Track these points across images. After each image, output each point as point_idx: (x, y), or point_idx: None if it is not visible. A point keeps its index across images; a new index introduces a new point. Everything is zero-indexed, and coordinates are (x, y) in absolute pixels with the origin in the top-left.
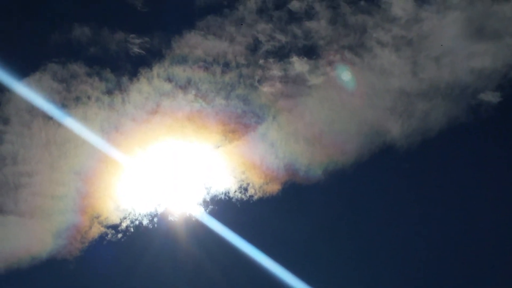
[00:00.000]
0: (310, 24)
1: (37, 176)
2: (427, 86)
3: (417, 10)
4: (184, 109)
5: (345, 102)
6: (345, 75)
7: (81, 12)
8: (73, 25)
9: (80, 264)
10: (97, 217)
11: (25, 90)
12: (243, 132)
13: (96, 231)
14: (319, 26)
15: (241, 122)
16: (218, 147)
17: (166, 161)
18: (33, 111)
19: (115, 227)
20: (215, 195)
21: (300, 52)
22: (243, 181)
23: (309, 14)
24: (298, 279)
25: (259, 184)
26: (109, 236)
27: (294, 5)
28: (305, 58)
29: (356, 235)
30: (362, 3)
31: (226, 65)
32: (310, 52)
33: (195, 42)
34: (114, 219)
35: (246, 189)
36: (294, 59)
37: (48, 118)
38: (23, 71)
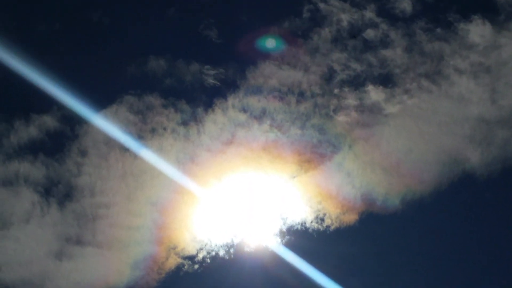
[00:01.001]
0: (386, 52)
1: (114, 207)
2: (507, 113)
3: (495, 37)
4: (259, 140)
5: (423, 131)
6: (422, 104)
7: (156, 44)
8: (149, 58)
9: None
10: (174, 248)
11: (102, 122)
12: (319, 162)
13: (172, 262)
14: (395, 54)
15: (316, 152)
16: (294, 177)
17: (242, 192)
18: (110, 143)
19: (191, 258)
20: (291, 226)
21: (375, 80)
22: (320, 211)
23: (384, 42)
24: None
25: (335, 214)
26: (186, 267)
27: (369, 34)
28: (381, 87)
29: (436, 268)
30: (438, 30)
31: (301, 95)
32: (385, 80)
33: (269, 72)
34: (191, 250)
35: (322, 220)
36: (370, 87)
37: (124, 149)
38: (100, 103)
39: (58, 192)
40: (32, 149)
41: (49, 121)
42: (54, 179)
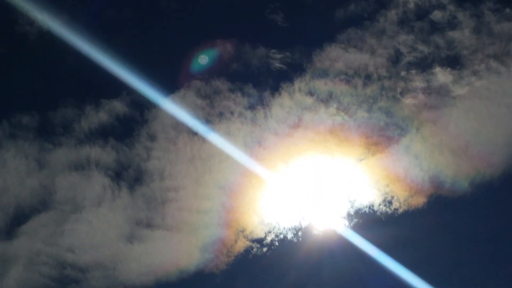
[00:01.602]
0: (453, 34)
1: (183, 191)
2: None
3: None
4: (326, 123)
5: (491, 112)
6: (491, 85)
7: (223, 29)
8: (216, 42)
9: (226, 277)
10: (242, 231)
11: (170, 107)
12: (386, 144)
13: (241, 245)
14: (463, 36)
15: (384, 134)
16: (361, 160)
17: (309, 175)
18: (178, 127)
19: (260, 241)
20: (358, 209)
21: (443, 62)
22: (387, 194)
23: (452, 23)
24: None
25: (403, 197)
26: (254, 250)
27: (436, 15)
28: (449, 69)
29: (507, 250)
30: (507, 10)
31: (368, 78)
32: (453, 62)
33: (336, 56)
34: (259, 233)
35: (390, 202)
36: (437, 69)
37: (192, 133)
38: (168, 88)
39: (128, 176)
40: (102, 134)
41: (119, 106)
42: (124, 163)
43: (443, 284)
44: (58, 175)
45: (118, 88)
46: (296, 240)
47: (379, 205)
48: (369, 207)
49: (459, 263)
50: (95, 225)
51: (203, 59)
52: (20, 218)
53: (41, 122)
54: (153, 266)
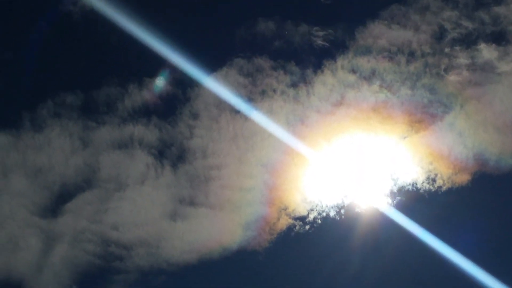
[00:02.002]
0: (499, 9)
1: (226, 169)
2: None
3: None
4: (369, 100)
5: None
6: None
7: (265, 6)
8: (258, 20)
9: (268, 255)
10: (285, 209)
11: (212, 85)
12: (430, 122)
13: (284, 222)
14: (508, 11)
15: (427, 112)
16: (405, 138)
17: (352, 153)
18: (220, 105)
19: (302, 219)
20: (402, 186)
21: (488, 38)
22: (431, 172)
23: None
24: (490, 276)
25: (447, 174)
26: (297, 227)
27: None
28: (494, 45)
29: None
30: None
31: (411, 55)
32: (499, 38)
33: (379, 32)
34: (302, 211)
35: (434, 180)
36: (482, 46)
37: (235, 112)
38: (210, 66)
39: (171, 154)
40: (145, 113)
41: (162, 85)
42: (167, 142)
43: (487, 263)
44: (102, 154)
45: (161, 66)
46: (338, 218)
47: (423, 183)
48: (412, 185)
49: (503, 242)
50: (139, 203)
51: (245, 37)
52: (65, 196)
53: (85, 101)
54: (196, 244)
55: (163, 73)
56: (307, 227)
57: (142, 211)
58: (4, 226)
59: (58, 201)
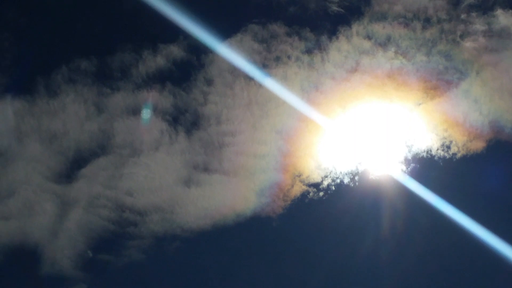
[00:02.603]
0: None
1: (240, 135)
2: None
3: None
4: (384, 67)
5: None
6: None
7: None
8: None
9: (282, 222)
10: (299, 176)
11: (227, 51)
12: (445, 89)
13: (298, 189)
14: None
15: (443, 78)
16: (419, 104)
17: (366, 120)
18: (235, 71)
19: (316, 186)
20: (416, 154)
21: (505, 4)
22: (446, 139)
23: None
24: (504, 243)
25: (462, 141)
26: (311, 194)
27: None
28: (511, 11)
29: None
30: None
31: (427, 21)
32: None
33: None
34: (316, 177)
35: (448, 147)
36: (499, 12)
37: (249, 78)
38: (225, 32)
39: (186, 121)
40: (159, 79)
41: (176, 51)
42: (182, 108)
43: (502, 230)
44: (116, 120)
45: (175, 32)
46: (352, 185)
47: (437, 150)
48: (427, 152)
49: None
50: (153, 169)
51: (260, 2)
52: (79, 162)
53: (99, 67)
54: (210, 210)
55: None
56: (321, 193)
57: (156, 177)
58: (19, 191)
59: (73, 166)
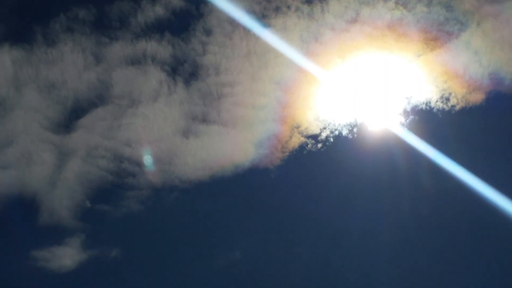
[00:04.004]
0: None
1: (239, 86)
2: None
3: None
4: (384, 18)
5: None
6: None
7: None
8: None
9: (280, 173)
10: (297, 127)
11: (226, 1)
12: (445, 40)
13: (296, 141)
14: None
15: (443, 29)
16: (419, 56)
17: (366, 71)
18: (234, 22)
19: (315, 137)
20: (415, 105)
21: None
22: (445, 90)
23: None
24: (502, 196)
25: (461, 93)
26: (309, 146)
27: None
28: None
29: None
30: None
31: None
32: None
33: None
34: (314, 129)
35: (448, 99)
36: None
37: (248, 28)
38: None
39: (184, 71)
40: (158, 29)
41: (175, 0)
42: (180, 58)
43: (500, 182)
44: (115, 70)
45: None
46: (351, 137)
47: (436, 102)
48: (426, 104)
49: None
50: (152, 120)
51: None
52: (78, 111)
53: (98, 16)
54: (208, 161)
55: None
56: (319, 145)
57: (155, 128)
58: (18, 141)
59: (71, 116)
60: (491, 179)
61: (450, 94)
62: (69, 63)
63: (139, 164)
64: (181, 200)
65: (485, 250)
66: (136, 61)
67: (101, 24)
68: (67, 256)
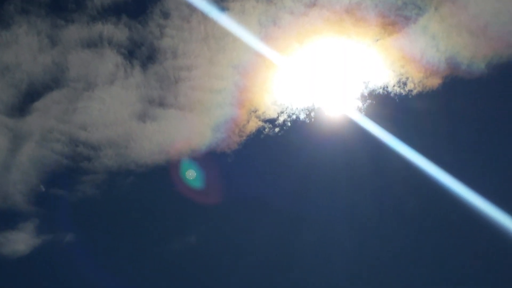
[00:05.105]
0: None
1: (196, 70)
2: None
3: None
4: (343, 2)
5: None
6: None
7: None
8: None
9: (238, 157)
10: (255, 111)
11: None
12: (403, 24)
13: (253, 125)
14: None
15: (401, 14)
16: (377, 40)
17: (324, 55)
18: (192, 5)
19: (272, 121)
20: (373, 90)
21: None
22: (402, 75)
23: None
24: (457, 180)
25: (418, 78)
26: (267, 130)
27: None
28: None
29: None
30: None
31: None
32: None
33: None
34: (272, 113)
35: (405, 84)
36: None
37: (206, 11)
38: None
39: (141, 54)
40: (115, 11)
41: None
42: (137, 41)
43: (455, 166)
44: (70, 52)
45: None
46: (308, 121)
47: (394, 86)
48: (384, 89)
49: (472, 146)
50: (108, 103)
51: None
52: (32, 95)
53: None
54: (165, 145)
55: None
56: (277, 129)
57: (111, 111)
58: None
59: (26, 100)
60: (447, 163)
61: (407, 78)
62: (24, 45)
63: (95, 148)
64: (137, 184)
65: (437, 230)
66: (92, 44)
67: (57, 6)
68: (20, 241)
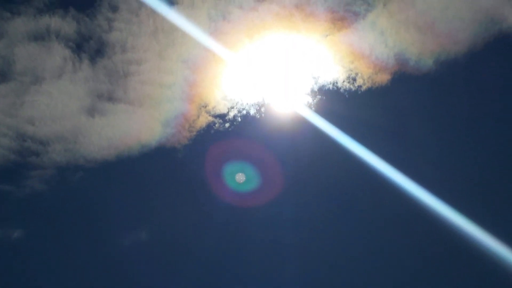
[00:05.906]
0: None
1: (145, 64)
2: None
3: None
4: None
5: None
6: None
7: None
8: None
9: (187, 152)
10: (205, 106)
11: None
12: (352, 20)
13: (203, 120)
14: None
15: (350, 10)
16: (326, 36)
17: (273, 50)
18: None
19: (222, 117)
20: (322, 85)
21: None
22: (351, 71)
23: None
24: (403, 175)
25: (368, 74)
26: (217, 125)
27: None
28: None
29: (471, 127)
30: None
31: None
32: None
33: None
34: (222, 108)
35: (354, 79)
36: None
37: (155, 5)
38: None
39: (90, 48)
40: (62, 4)
41: None
42: (85, 35)
43: (403, 162)
44: (17, 45)
45: None
46: (258, 116)
47: (343, 82)
48: (333, 84)
49: (420, 142)
50: (56, 98)
51: None
52: None
53: None
54: (114, 140)
55: None
56: (227, 125)
57: (59, 106)
58: None
59: None
60: (394, 159)
61: (356, 74)
62: None
63: (43, 142)
64: (86, 179)
65: (383, 224)
66: (39, 37)
67: None
68: None
